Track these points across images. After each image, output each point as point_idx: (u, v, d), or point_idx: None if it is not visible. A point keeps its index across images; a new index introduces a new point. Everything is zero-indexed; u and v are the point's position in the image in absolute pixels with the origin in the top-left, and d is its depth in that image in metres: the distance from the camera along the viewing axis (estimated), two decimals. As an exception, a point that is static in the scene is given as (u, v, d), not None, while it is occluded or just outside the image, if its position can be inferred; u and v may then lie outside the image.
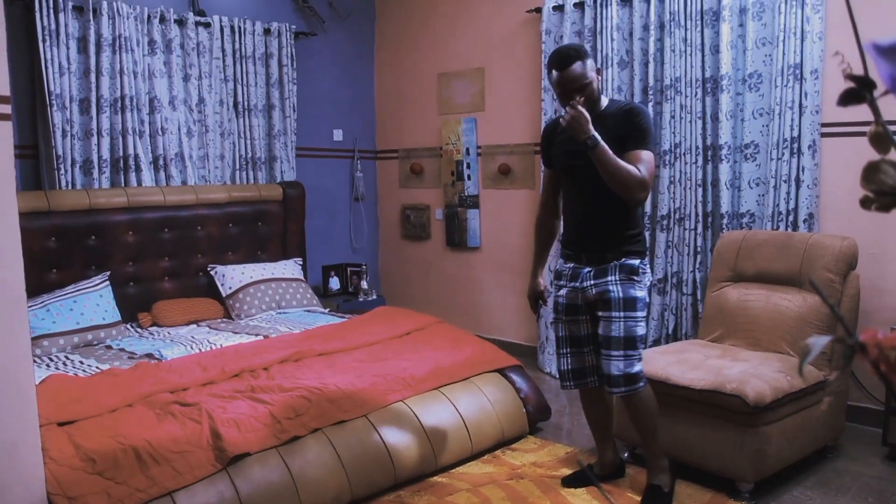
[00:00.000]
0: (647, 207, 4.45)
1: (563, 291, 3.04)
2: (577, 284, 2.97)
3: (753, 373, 3.05)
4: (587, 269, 2.94)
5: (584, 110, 2.69)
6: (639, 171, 2.73)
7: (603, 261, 2.91)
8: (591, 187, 2.87)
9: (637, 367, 2.87)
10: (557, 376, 3.14)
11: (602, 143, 2.69)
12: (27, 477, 2.29)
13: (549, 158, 3.11)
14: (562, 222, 3.17)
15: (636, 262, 2.90)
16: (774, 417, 3.01)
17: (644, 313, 2.90)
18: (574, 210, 3.04)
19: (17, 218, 2.25)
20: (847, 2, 0.89)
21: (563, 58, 2.81)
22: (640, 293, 2.88)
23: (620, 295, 2.85)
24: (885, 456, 3.45)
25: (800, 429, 3.16)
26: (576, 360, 3.06)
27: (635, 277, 2.88)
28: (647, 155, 2.78)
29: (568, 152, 2.93)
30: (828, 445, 3.45)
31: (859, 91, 0.82)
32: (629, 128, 2.82)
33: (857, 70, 0.82)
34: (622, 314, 2.85)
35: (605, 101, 2.95)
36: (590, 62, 2.84)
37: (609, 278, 2.88)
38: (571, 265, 3.02)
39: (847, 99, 0.83)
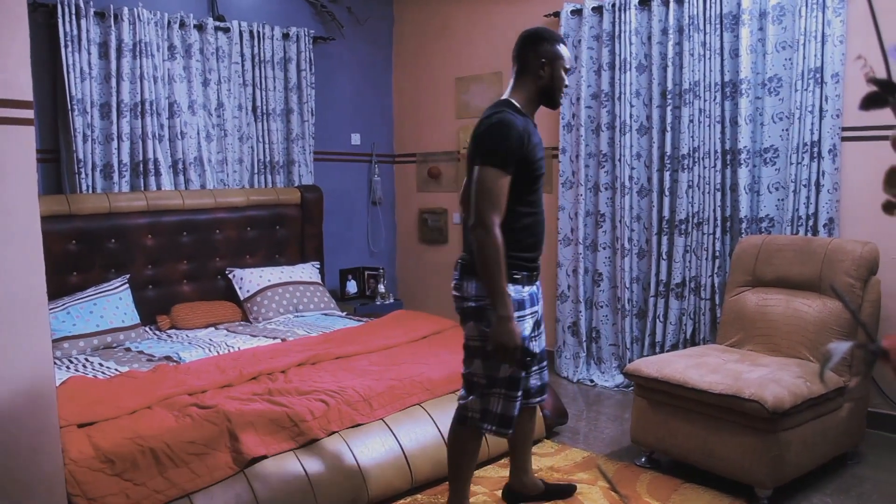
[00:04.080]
0: (665, 211, 4.44)
1: (527, 324, 2.63)
2: (538, 308, 2.73)
3: (772, 378, 3.03)
4: (536, 286, 2.72)
5: None
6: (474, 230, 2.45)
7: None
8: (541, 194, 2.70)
9: None
10: (496, 424, 2.63)
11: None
12: (48, 478, 2.31)
13: (526, 162, 2.52)
14: (521, 237, 2.60)
15: None
16: (793, 423, 2.99)
17: None
18: (540, 221, 2.67)
19: (38, 222, 2.27)
20: (870, 5, 0.89)
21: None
22: None
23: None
24: (906, 463, 3.42)
25: (819, 435, 3.13)
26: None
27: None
28: (476, 173, 2.47)
29: (542, 151, 2.64)
30: (848, 452, 3.42)
31: (882, 95, 0.82)
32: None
33: (880, 73, 0.81)
34: (543, 326, 2.84)
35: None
36: None
37: (540, 293, 2.76)
38: (533, 288, 2.69)
39: (869, 103, 0.83)
